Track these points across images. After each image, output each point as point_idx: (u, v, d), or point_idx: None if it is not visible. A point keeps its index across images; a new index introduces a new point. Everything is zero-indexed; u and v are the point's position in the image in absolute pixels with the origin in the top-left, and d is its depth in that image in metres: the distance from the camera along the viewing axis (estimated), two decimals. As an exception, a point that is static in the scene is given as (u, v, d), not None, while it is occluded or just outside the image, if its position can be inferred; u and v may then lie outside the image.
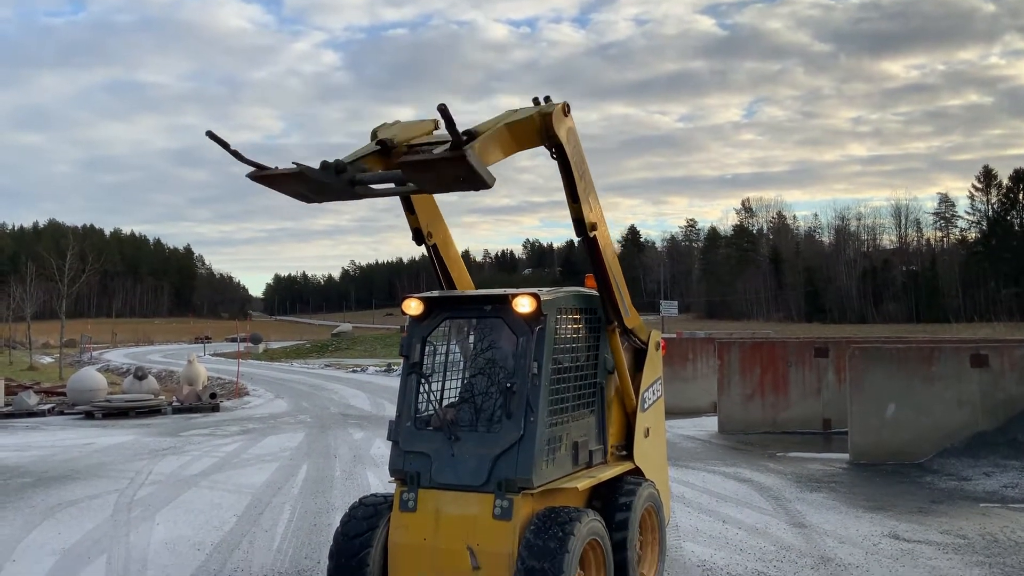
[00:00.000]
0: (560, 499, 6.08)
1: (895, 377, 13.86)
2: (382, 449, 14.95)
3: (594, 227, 6.20)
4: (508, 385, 6.10)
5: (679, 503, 10.49)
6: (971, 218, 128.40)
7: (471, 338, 6.97)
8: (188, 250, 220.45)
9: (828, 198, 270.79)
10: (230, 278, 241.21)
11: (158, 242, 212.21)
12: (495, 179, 5.13)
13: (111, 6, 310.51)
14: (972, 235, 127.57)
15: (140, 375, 25.62)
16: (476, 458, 5.90)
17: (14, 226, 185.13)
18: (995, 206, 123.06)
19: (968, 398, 13.66)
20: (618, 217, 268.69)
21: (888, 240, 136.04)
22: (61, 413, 22.37)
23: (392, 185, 5.63)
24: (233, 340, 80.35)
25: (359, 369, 44.60)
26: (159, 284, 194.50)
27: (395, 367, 40.81)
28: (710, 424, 18.47)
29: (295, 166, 5.36)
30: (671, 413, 9.91)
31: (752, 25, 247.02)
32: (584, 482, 6.19)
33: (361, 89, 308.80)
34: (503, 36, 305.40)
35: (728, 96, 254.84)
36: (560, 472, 6.15)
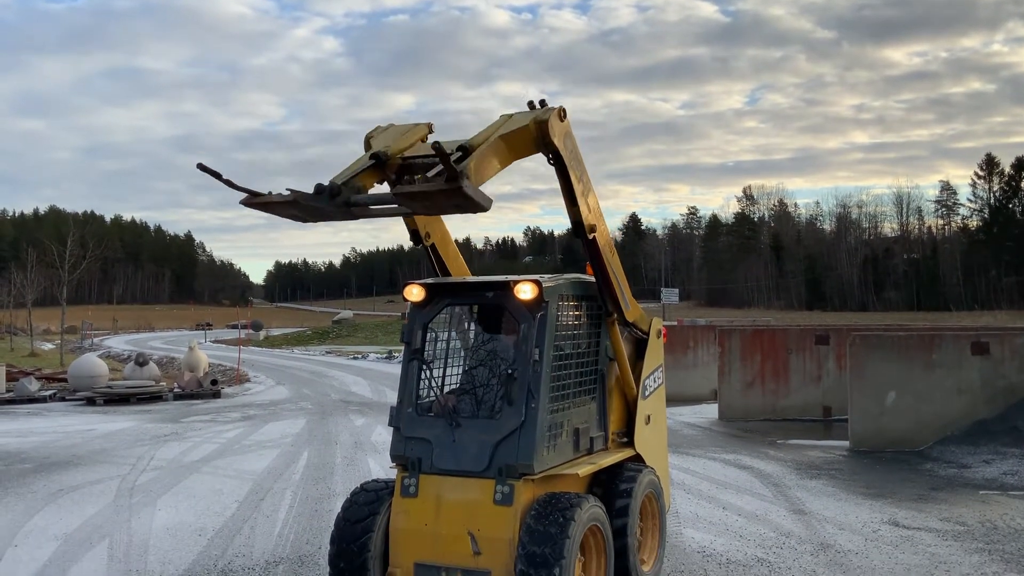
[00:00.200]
0: (561, 485, 6.09)
1: (895, 365, 13.87)
2: (383, 435, 14.98)
3: (593, 228, 6.18)
4: (509, 372, 6.10)
5: (679, 490, 10.52)
6: (973, 206, 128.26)
7: (471, 331, 6.98)
8: (189, 237, 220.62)
9: (830, 186, 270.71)
10: (231, 265, 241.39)
11: (159, 229, 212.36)
12: (492, 201, 5.12)
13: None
14: (974, 223, 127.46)
15: (141, 361, 25.65)
16: (477, 444, 5.91)
17: (15, 212, 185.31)
18: (997, 194, 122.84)
19: (968, 386, 13.67)
20: (619, 204, 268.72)
21: (889, 228, 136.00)
22: (62, 399, 22.41)
23: (389, 206, 5.54)
24: (234, 327, 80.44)
25: (360, 356, 44.65)
26: (160, 271, 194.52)
27: (396, 354, 40.85)
28: (710, 411, 18.50)
29: (289, 192, 5.32)
30: (672, 400, 9.92)
31: (754, 12, 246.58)
32: (585, 468, 6.20)
33: (361, 76, 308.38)
34: (504, 22, 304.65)
35: (730, 83, 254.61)
36: (561, 458, 6.16)
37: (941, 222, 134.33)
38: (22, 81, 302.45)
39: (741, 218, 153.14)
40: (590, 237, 6.17)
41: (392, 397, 7.50)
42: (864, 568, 7.53)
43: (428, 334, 6.50)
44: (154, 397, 22.46)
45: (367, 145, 6.13)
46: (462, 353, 6.94)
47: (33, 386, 23.03)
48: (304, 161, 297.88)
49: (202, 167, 5.51)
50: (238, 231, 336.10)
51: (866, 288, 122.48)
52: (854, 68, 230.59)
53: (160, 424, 17.41)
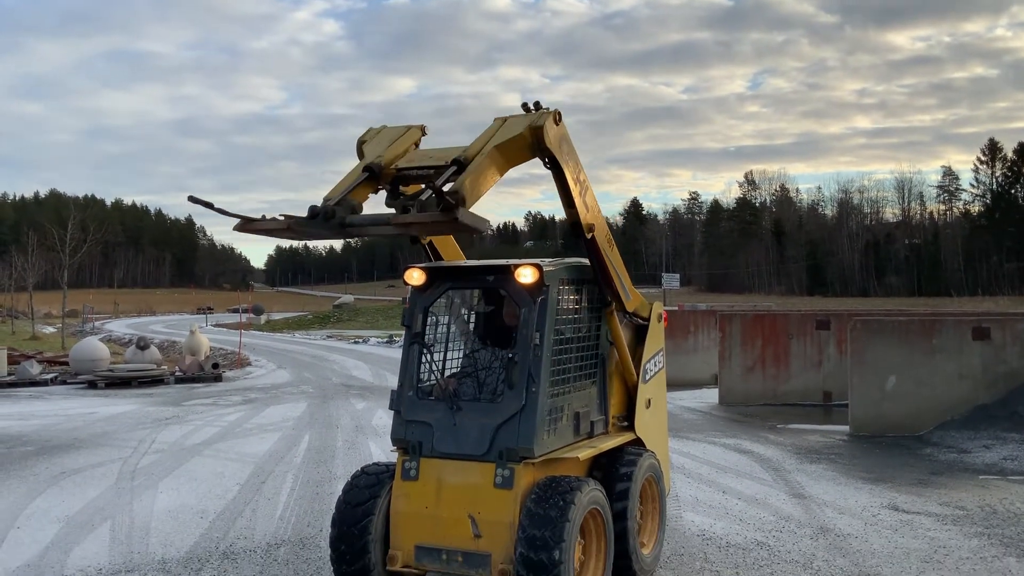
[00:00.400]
0: (561, 469, 6.10)
1: (896, 350, 13.87)
2: (384, 419, 15.02)
3: (592, 227, 6.15)
4: (510, 355, 6.10)
5: (679, 474, 10.55)
6: (975, 191, 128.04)
7: (471, 321, 6.99)
8: (190, 221, 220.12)
9: (832, 171, 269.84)
10: (232, 249, 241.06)
11: (159, 212, 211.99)
12: (488, 222, 5.10)
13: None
14: (976, 208, 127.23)
15: (142, 345, 25.68)
16: (478, 428, 5.92)
17: (15, 196, 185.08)
18: (999, 179, 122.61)
19: (969, 371, 13.67)
20: (621, 189, 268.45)
21: (891, 213, 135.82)
22: (64, 382, 22.46)
23: (384, 227, 5.46)
24: (235, 311, 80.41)
25: (361, 340, 44.69)
26: (161, 255, 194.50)
27: (396, 338, 40.89)
28: (711, 396, 18.53)
29: (283, 218, 5.27)
30: (672, 385, 9.93)
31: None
32: (585, 452, 6.21)
33: (362, 59, 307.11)
34: (506, 5, 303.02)
35: (733, 67, 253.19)
36: (561, 442, 6.17)
37: (943, 207, 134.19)
38: (22, 63, 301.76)
39: (743, 203, 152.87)
40: (589, 236, 6.16)
41: (393, 381, 7.51)
42: (863, 552, 7.56)
43: (429, 318, 6.51)
44: (155, 381, 22.51)
45: (360, 151, 6.05)
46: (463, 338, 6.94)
47: (34, 369, 23.07)
48: (305, 145, 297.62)
49: (193, 199, 5.49)
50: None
51: (867, 273, 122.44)
52: (857, 52, 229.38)
53: (161, 407, 17.45)
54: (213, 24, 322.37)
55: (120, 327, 63.96)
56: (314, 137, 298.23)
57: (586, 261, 6.76)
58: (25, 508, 9.11)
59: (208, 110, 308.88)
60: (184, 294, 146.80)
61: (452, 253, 7.24)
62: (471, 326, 7.03)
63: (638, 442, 7.14)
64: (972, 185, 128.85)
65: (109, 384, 21.69)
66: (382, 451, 11.94)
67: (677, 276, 61.98)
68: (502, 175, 5.63)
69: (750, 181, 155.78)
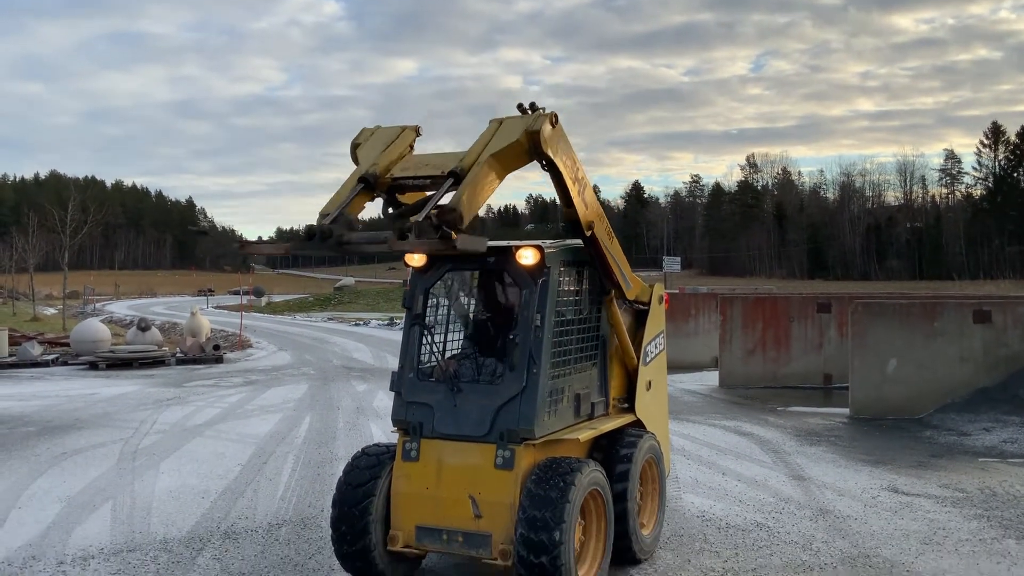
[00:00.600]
0: (562, 450, 6.11)
1: (897, 332, 13.86)
2: (385, 401, 15.04)
3: (591, 225, 6.13)
4: (511, 337, 6.10)
5: (679, 456, 10.57)
6: (977, 174, 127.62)
7: (469, 303, 6.97)
8: (190, 202, 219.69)
9: (834, 154, 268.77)
10: (232, 231, 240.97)
11: (159, 194, 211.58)
12: (486, 241, 5.10)
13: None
14: (978, 192, 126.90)
15: (143, 326, 25.71)
16: (478, 409, 5.92)
17: (15, 177, 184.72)
18: (1002, 162, 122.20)
19: (970, 354, 13.67)
20: (622, 172, 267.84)
21: (893, 196, 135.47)
22: (65, 363, 22.49)
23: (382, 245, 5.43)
24: (236, 293, 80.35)
25: (361, 323, 44.70)
26: (161, 236, 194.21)
27: (397, 321, 40.90)
28: (711, 379, 18.55)
29: (280, 242, 5.26)
30: (673, 368, 9.94)
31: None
32: (586, 433, 6.22)
33: (363, 40, 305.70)
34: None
35: (735, 49, 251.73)
36: (562, 423, 6.17)
37: (945, 191, 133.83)
38: (22, 44, 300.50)
39: (744, 186, 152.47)
40: (588, 234, 6.14)
41: (393, 363, 7.52)
42: (863, 533, 7.58)
43: (429, 300, 6.50)
44: (157, 362, 22.54)
45: (354, 155, 6.01)
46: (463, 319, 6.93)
47: (36, 350, 23.11)
48: (305, 127, 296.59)
49: (190, 229, 5.47)
50: (239, 197, 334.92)
51: (868, 257, 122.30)
52: (860, 35, 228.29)
53: (163, 388, 17.48)
54: (213, 5, 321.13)
55: (121, 308, 64.00)
56: (314, 119, 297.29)
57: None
58: (27, 488, 9.14)
59: (208, 91, 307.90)
60: (185, 276, 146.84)
61: None
62: (471, 307, 7.02)
63: (638, 424, 7.15)
64: (974, 168, 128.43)
65: (110, 365, 21.73)
66: (383, 432, 11.96)
67: (678, 259, 61.91)
68: (501, 181, 5.59)
69: (752, 164, 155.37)
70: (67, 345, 24.80)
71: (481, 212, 5.43)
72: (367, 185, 5.57)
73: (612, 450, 6.63)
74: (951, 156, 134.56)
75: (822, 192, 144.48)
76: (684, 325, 21.68)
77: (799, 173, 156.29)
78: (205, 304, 63.73)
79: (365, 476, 6.14)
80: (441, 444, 6.01)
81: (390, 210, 5.80)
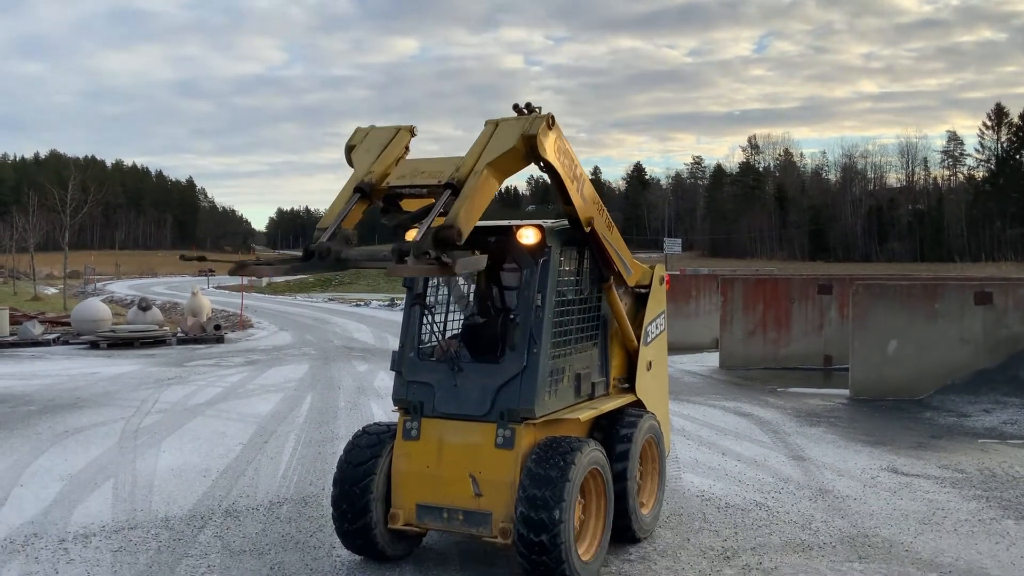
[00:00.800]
0: (562, 429, 6.12)
1: (898, 314, 13.86)
2: (385, 381, 15.06)
3: (590, 221, 6.10)
4: (511, 317, 6.09)
5: (679, 436, 10.59)
6: (980, 156, 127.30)
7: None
8: (190, 182, 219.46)
9: (836, 135, 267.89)
10: (233, 211, 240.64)
11: (160, 174, 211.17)
12: (484, 260, 5.07)
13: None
14: (980, 174, 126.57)
15: (144, 306, 25.70)
16: (479, 388, 5.92)
17: (15, 156, 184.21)
18: (1004, 145, 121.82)
19: (971, 336, 13.67)
20: (623, 154, 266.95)
21: (895, 178, 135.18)
22: (66, 343, 22.52)
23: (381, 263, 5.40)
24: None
25: (362, 303, 44.73)
26: (162, 216, 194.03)
27: (398, 301, 40.90)
28: (711, 360, 18.57)
29: (278, 263, 5.22)
30: (673, 349, 9.94)
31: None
32: (586, 413, 6.23)
33: (365, 19, 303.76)
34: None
35: (738, 30, 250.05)
36: (562, 403, 6.18)
37: (947, 173, 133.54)
38: (22, 23, 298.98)
39: (746, 168, 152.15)
40: (587, 230, 6.11)
41: (394, 344, 7.52)
42: (862, 513, 7.61)
43: (430, 280, 6.48)
44: (158, 341, 22.57)
45: (348, 157, 5.97)
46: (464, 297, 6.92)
47: (37, 330, 23.13)
48: (306, 107, 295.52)
49: (185, 257, 5.49)
50: (240, 177, 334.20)
51: (870, 239, 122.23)
52: (864, 15, 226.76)
53: (164, 368, 17.51)
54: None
55: (122, 288, 64.07)
56: (315, 99, 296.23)
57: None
58: (28, 466, 9.16)
59: (208, 71, 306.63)
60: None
61: None
62: (471, 289, 7.00)
63: (639, 404, 7.16)
64: (977, 150, 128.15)
65: (111, 345, 21.75)
66: (383, 412, 11.99)
67: (679, 241, 61.69)
68: (500, 184, 5.54)
69: (753, 146, 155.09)
70: (68, 325, 24.83)
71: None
72: (363, 194, 5.54)
73: (612, 430, 6.64)
74: (954, 138, 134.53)
75: (824, 174, 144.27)
76: (685, 306, 21.68)
77: (801, 155, 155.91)
78: (206, 284, 63.73)
79: (366, 455, 6.15)
80: (442, 423, 6.02)
81: (385, 221, 5.81)
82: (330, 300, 50.35)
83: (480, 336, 6.40)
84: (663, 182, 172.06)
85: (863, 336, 13.96)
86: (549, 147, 5.53)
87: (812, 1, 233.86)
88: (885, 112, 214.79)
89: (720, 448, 10.15)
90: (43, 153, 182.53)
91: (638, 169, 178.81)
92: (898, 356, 13.75)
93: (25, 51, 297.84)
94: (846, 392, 14.07)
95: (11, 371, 16.99)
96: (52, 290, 52.91)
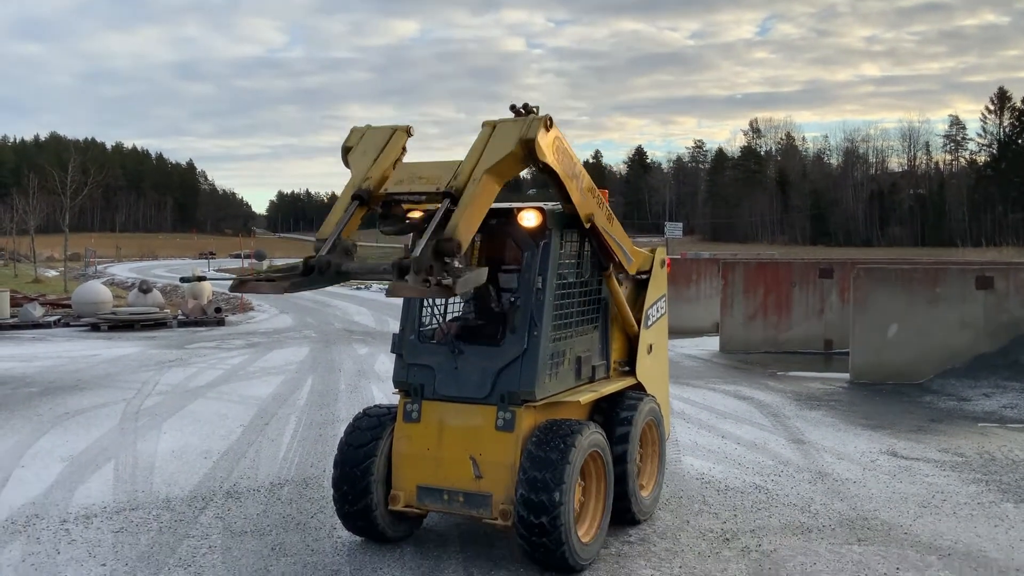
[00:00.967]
0: (562, 412, 6.12)
1: (899, 298, 13.85)
2: (386, 364, 15.08)
3: (590, 217, 6.07)
4: (512, 300, 6.08)
5: (679, 419, 10.61)
6: (982, 141, 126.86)
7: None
8: (191, 165, 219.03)
9: (838, 119, 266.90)
10: (233, 195, 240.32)
11: (160, 157, 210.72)
12: (485, 273, 5.07)
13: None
14: (982, 158, 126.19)
15: (145, 288, 25.71)
16: (479, 371, 5.92)
17: (15, 138, 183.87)
18: (1007, 129, 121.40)
19: (971, 320, 13.67)
20: (625, 138, 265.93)
21: (897, 163, 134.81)
22: (67, 325, 22.53)
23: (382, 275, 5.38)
24: (237, 256, 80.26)
25: (363, 287, 44.72)
26: (162, 199, 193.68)
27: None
28: (712, 344, 18.58)
29: (279, 279, 5.18)
30: (674, 333, 9.93)
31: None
32: (586, 396, 6.23)
33: (365, 1, 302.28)
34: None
35: (741, 12, 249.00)
36: (562, 386, 6.18)
37: (949, 157, 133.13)
38: (22, 4, 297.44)
39: (747, 151, 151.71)
40: (587, 226, 6.09)
41: (394, 327, 7.51)
42: (861, 496, 7.63)
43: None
44: (158, 324, 22.57)
45: (345, 158, 5.93)
46: None
47: (37, 312, 23.14)
48: (306, 89, 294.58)
49: (184, 279, 5.45)
50: (240, 160, 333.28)
51: (871, 223, 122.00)
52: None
53: (165, 350, 17.52)
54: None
55: (122, 271, 64.03)
56: (315, 81, 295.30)
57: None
58: (30, 448, 9.19)
59: (208, 52, 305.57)
60: (186, 239, 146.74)
61: None
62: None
63: (639, 387, 7.16)
64: (979, 135, 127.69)
65: (112, 327, 21.76)
66: (384, 395, 12.01)
67: (680, 225, 61.57)
68: (499, 189, 5.50)
69: (755, 129, 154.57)
70: (68, 307, 24.83)
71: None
72: (361, 201, 5.52)
73: (612, 412, 6.65)
74: (956, 122, 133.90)
75: (826, 158, 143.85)
76: (686, 290, 21.68)
77: (803, 139, 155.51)
78: (206, 267, 63.71)
79: (366, 437, 6.16)
80: (442, 406, 6.02)
81: (384, 230, 5.82)
82: (331, 283, 50.26)
83: (480, 324, 6.39)
84: (664, 166, 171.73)
85: (864, 320, 13.96)
86: (547, 150, 5.48)
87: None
88: (887, 96, 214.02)
89: (720, 431, 10.17)
90: (43, 135, 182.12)
91: (639, 153, 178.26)
92: (898, 340, 13.75)
93: (25, 32, 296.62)
94: (846, 376, 14.08)
95: (12, 353, 17.01)
96: (53, 272, 52.91)
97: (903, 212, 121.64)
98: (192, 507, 7.22)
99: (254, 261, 74.47)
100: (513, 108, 5.61)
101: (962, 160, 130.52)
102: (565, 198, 5.87)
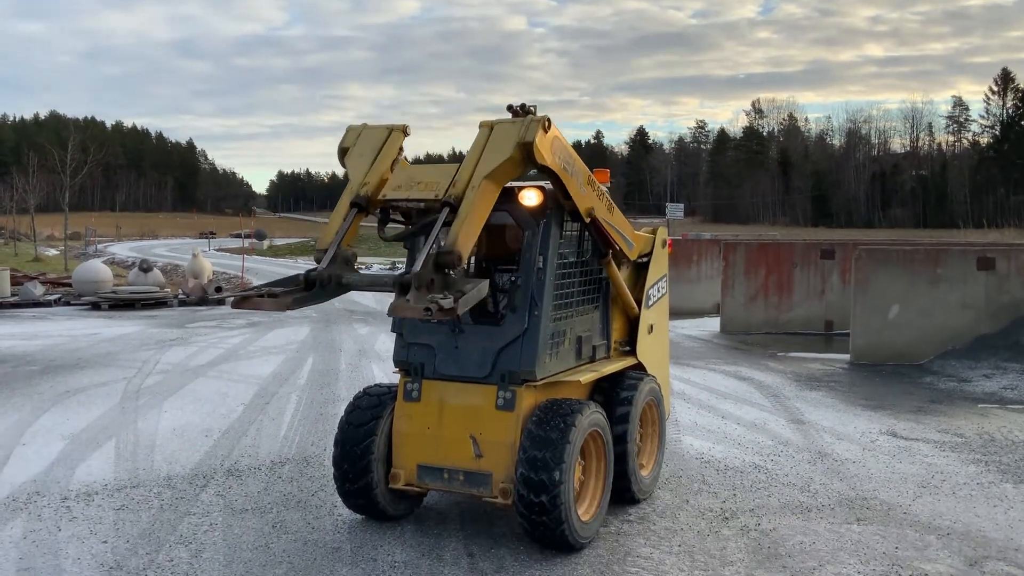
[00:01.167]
0: (563, 392, 6.12)
1: (900, 279, 13.83)
2: (387, 344, 15.09)
3: (591, 211, 6.03)
4: (513, 279, 6.07)
5: (679, 399, 10.62)
6: (985, 122, 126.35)
7: None
8: (191, 144, 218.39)
9: (841, 100, 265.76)
10: (233, 174, 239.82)
11: (160, 136, 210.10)
12: (486, 287, 5.04)
13: None
14: (985, 140, 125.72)
15: (145, 267, 25.69)
16: (480, 350, 5.91)
17: (15, 117, 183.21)
18: (1010, 110, 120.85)
19: (972, 301, 13.65)
20: (627, 118, 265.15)
21: (899, 144, 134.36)
22: (67, 304, 22.53)
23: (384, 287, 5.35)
24: (237, 236, 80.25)
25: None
26: (162, 178, 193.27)
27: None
28: (712, 325, 18.58)
29: (281, 295, 5.15)
30: (674, 314, 9.93)
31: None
32: (587, 376, 6.23)
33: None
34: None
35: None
36: (563, 366, 6.18)
37: (951, 139, 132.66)
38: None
39: (750, 132, 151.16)
40: (587, 220, 6.05)
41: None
42: (861, 476, 7.64)
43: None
44: (159, 303, 22.57)
45: (341, 159, 5.89)
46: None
47: (38, 290, 23.13)
48: (306, 68, 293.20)
49: (184, 301, 5.44)
50: (240, 139, 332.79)
51: (873, 205, 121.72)
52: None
53: (165, 329, 17.53)
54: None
55: (123, 250, 64.01)
56: (315, 60, 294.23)
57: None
58: (31, 425, 9.20)
59: (208, 30, 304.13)
60: (186, 218, 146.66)
61: None
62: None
63: (640, 367, 7.16)
64: (982, 116, 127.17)
65: (112, 306, 21.76)
66: (384, 374, 12.03)
67: (681, 206, 61.37)
68: (499, 191, 5.46)
69: (757, 110, 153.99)
70: (69, 286, 24.81)
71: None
72: (360, 208, 5.52)
73: (613, 392, 6.65)
74: (959, 103, 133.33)
75: (828, 139, 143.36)
76: (687, 271, 21.65)
77: (806, 119, 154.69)
78: (207, 246, 63.69)
79: (367, 416, 6.16)
80: (443, 385, 6.02)
81: (383, 236, 5.83)
82: (331, 263, 50.22)
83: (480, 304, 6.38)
84: (666, 147, 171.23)
85: (864, 301, 13.95)
86: (546, 152, 5.42)
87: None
88: (891, 77, 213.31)
89: (720, 412, 10.18)
90: (43, 114, 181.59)
91: (641, 133, 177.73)
92: (899, 321, 13.75)
93: (24, 10, 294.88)
94: (847, 357, 14.09)
95: (12, 331, 17.02)
96: (53, 251, 52.88)
97: (905, 193, 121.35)
98: (193, 485, 7.24)
99: (255, 241, 74.52)
100: (510, 108, 5.56)
101: (965, 141, 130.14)
102: (564, 195, 5.83)
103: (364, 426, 6.12)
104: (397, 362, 6.24)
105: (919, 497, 7.10)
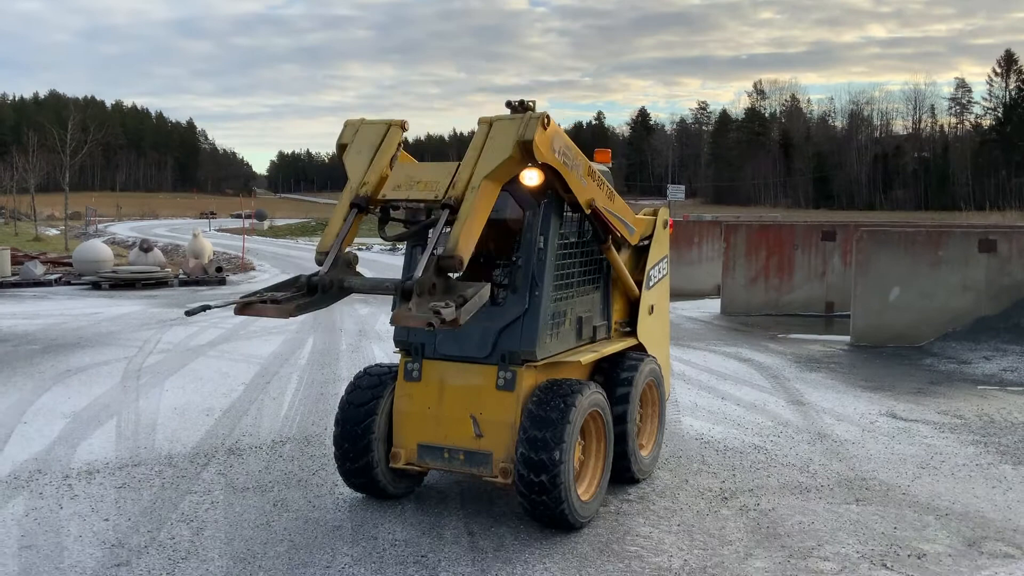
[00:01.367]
0: (563, 372, 6.13)
1: (901, 261, 13.82)
2: (386, 324, 15.02)
3: (591, 203, 6.00)
4: (513, 259, 6.06)
5: (679, 380, 10.64)
6: (987, 104, 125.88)
7: None
8: (191, 124, 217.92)
9: (844, 81, 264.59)
10: (234, 154, 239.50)
11: (160, 115, 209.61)
12: (488, 292, 5.00)
13: None
14: (987, 122, 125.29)
15: (146, 247, 25.68)
16: (480, 331, 5.91)
17: (14, 96, 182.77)
18: (1013, 92, 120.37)
19: (973, 283, 13.64)
20: (628, 99, 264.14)
21: (902, 126, 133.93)
22: (68, 283, 22.54)
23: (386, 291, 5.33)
24: (238, 216, 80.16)
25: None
26: (162, 158, 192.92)
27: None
28: (713, 306, 18.59)
29: (284, 301, 5.11)
30: (675, 295, 9.93)
31: None
32: (587, 356, 6.23)
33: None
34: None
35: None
36: (563, 346, 6.18)
37: (954, 120, 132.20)
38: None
39: (751, 114, 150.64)
40: (588, 211, 6.03)
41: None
42: (860, 457, 7.66)
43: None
44: (159, 283, 22.58)
45: (340, 156, 5.86)
46: None
47: (38, 270, 23.13)
48: (307, 47, 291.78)
49: (189, 312, 5.45)
50: (240, 119, 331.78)
51: (874, 186, 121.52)
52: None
53: (166, 309, 17.54)
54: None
55: (123, 230, 63.97)
56: (316, 39, 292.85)
57: (593, 165, 6.64)
58: (32, 404, 9.22)
59: (208, 9, 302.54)
60: (187, 198, 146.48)
61: None
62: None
63: (640, 347, 7.16)
64: (984, 98, 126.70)
65: (113, 286, 21.77)
66: (385, 354, 12.04)
67: (682, 187, 61.21)
68: (498, 191, 5.43)
69: (759, 91, 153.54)
70: (69, 265, 24.81)
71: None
72: (360, 209, 5.52)
73: (613, 373, 6.66)
74: (962, 85, 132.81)
75: (830, 120, 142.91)
76: (687, 253, 21.63)
77: (808, 101, 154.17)
78: (207, 227, 63.63)
79: (367, 395, 6.18)
80: (443, 365, 6.03)
81: (384, 236, 5.84)
82: (332, 243, 50.16)
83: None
84: (668, 128, 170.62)
85: (865, 283, 13.94)
86: (545, 149, 5.38)
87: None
88: (894, 58, 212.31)
89: (720, 392, 10.20)
90: (42, 93, 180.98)
91: (643, 114, 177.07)
92: (900, 303, 13.74)
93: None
94: (847, 338, 14.10)
95: (13, 310, 17.03)
96: (53, 231, 52.85)
97: (907, 175, 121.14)
98: (194, 464, 7.27)
99: (255, 221, 74.46)
100: (509, 104, 5.52)
101: (967, 123, 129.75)
102: (565, 189, 5.81)
103: (365, 406, 6.13)
104: (397, 342, 6.24)
105: (918, 478, 7.12)
